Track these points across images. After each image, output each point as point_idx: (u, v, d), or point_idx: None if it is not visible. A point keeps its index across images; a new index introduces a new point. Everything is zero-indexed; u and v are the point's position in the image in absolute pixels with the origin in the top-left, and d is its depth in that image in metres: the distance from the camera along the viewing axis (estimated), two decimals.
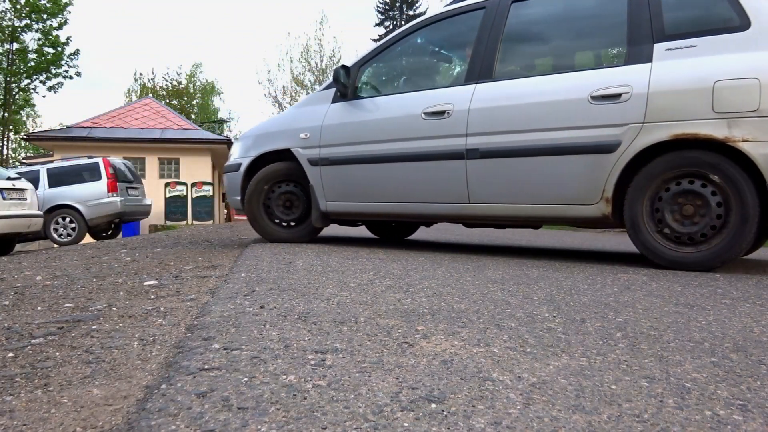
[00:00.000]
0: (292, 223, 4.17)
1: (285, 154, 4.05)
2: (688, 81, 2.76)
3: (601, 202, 2.98)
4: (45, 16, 29.52)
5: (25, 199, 8.62)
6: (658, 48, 2.87)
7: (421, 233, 5.91)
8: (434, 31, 3.84)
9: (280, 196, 4.12)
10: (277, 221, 4.16)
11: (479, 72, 3.36)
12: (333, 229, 5.90)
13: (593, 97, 2.96)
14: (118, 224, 11.81)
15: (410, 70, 4.14)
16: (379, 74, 4.07)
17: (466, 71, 3.45)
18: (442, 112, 3.38)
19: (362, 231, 5.73)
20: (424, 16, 3.85)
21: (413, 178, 3.52)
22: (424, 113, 3.44)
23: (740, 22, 2.72)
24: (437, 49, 4.08)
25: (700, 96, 2.69)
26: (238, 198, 4.24)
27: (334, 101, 3.91)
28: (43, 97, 75.19)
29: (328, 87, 3.99)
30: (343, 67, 3.81)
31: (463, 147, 3.29)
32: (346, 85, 3.79)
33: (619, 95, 2.89)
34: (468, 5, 3.58)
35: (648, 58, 2.88)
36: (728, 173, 2.67)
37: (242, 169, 4.20)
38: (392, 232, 4.80)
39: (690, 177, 2.80)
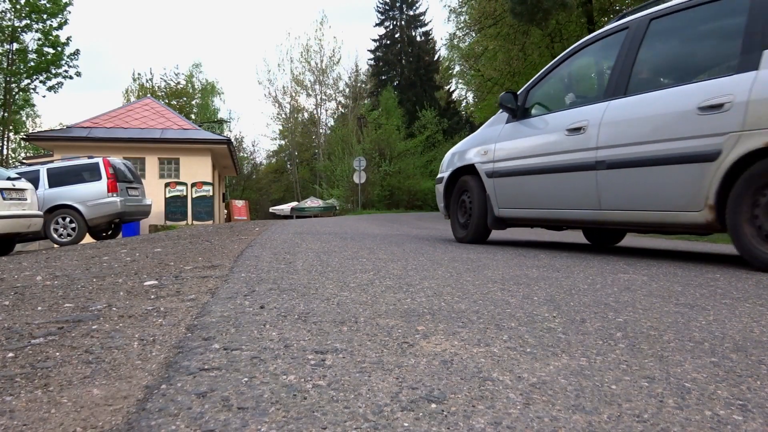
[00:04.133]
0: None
1: (472, 169, 4.75)
2: None
3: (705, 209, 3.05)
4: (45, 16, 29.54)
5: (25, 199, 8.61)
6: (766, 55, 2.85)
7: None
8: (586, 53, 4.19)
9: (462, 202, 4.88)
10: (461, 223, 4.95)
11: (614, 89, 3.66)
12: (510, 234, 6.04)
13: (701, 108, 3.04)
14: (118, 224, 11.79)
15: (566, 90, 4.47)
16: (542, 97, 4.46)
17: (604, 89, 3.78)
18: (579, 128, 3.74)
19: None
20: (579, 42, 4.24)
21: (558, 187, 3.94)
22: (567, 129, 3.84)
23: None
24: (588, 70, 4.51)
25: None
26: (443, 205, 5.17)
27: (507, 121, 4.51)
28: (43, 97, 75.38)
29: None
30: (509, 92, 4.48)
31: (594, 159, 3.62)
32: (513, 108, 4.38)
33: (721, 105, 2.94)
34: (613, 27, 3.90)
35: (755, 66, 2.87)
36: None
37: (443, 182, 5.10)
38: (602, 239, 5.09)
39: None
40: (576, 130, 3.76)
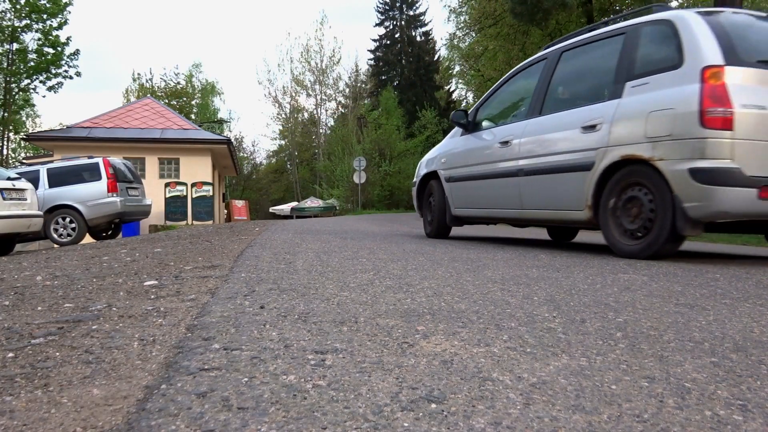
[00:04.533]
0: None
1: (436, 174, 5.51)
2: (633, 112, 3.48)
3: (586, 209, 3.77)
4: (45, 16, 29.50)
5: (25, 199, 8.60)
6: (628, 86, 3.59)
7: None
8: (519, 78, 4.92)
9: (429, 203, 5.65)
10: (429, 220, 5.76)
11: (533, 109, 4.40)
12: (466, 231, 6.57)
13: (583, 128, 3.80)
14: (118, 224, 11.77)
15: (504, 109, 5.19)
16: (488, 113, 5.15)
17: (527, 109, 4.51)
18: (507, 142, 4.52)
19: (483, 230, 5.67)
20: (515, 68, 5.05)
21: (494, 190, 4.71)
22: (500, 142, 4.61)
23: (677, 61, 3.32)
24: (521, 91, 5.21)
25: (640, 124, 3.40)
26: (417, 206, 5.97)
27: (462, 134, 5.27)
28: (43, 97, 75.26)
29: None
30: (461, 110, 5.39)
31: (516, 167, 4.37)
32: (464, 123, 5.16)
33: (595, 126, 3.70)
34: (538, 56, 4.72)
35: (619, 95, 3.62)
36: (657, 183, 3.29)
37: (416, 186, 5.89)
38: (561, 235, 5.80)
39: (637, 186, 3.43)
40: (506, 143, 4.53)
